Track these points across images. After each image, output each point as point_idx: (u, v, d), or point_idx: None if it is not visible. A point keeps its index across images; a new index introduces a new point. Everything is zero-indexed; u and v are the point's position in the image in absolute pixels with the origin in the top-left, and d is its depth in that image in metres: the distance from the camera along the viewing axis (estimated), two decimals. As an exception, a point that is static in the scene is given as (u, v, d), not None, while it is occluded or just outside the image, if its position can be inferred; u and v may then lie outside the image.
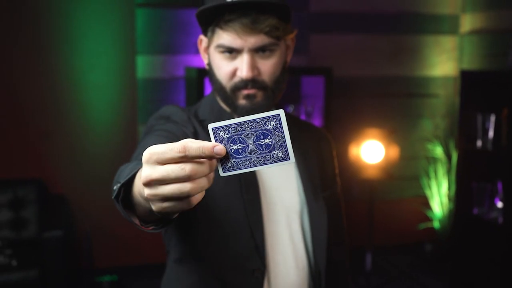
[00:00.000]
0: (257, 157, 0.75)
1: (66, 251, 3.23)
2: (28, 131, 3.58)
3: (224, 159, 0.75)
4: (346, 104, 3.91)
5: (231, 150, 0.75)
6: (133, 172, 0.85)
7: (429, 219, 4.08)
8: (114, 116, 3.69)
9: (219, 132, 0.75)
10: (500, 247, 2.92)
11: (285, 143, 0.74)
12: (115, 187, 0.89)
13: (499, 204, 2.98)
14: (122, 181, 0.85)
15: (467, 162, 3.12)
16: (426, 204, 4.08)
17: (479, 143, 3.05)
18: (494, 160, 3.06)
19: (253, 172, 1.25)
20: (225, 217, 1.21)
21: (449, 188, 4.00)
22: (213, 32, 1.22)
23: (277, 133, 0.74)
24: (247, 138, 0.74)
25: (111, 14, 3.59)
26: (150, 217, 0.84)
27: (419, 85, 4.09)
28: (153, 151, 0.70)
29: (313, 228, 1.28)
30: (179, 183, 0.70)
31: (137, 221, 0.88)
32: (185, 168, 0.69)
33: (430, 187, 4.06)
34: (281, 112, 0.73)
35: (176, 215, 0.79)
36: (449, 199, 3.98)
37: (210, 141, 0.74)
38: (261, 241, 1.22)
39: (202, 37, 1.29)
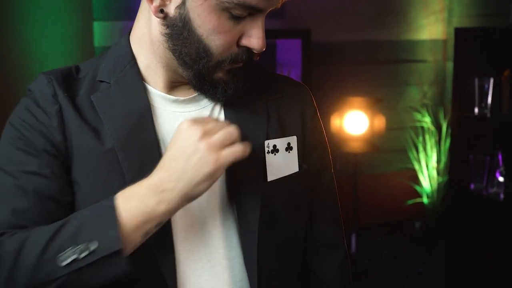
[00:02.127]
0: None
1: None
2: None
3: None
4: (326, 71, 3.78)
5: None
6: (110, 204, 0.81)
7: (417, 195, 3.99)
8: (70, 89, 3.47)
9: None
10: (501, 225, 2.75)
11: None
12: (81, 249, 0.78)
13: (500, 178, 2.80)
14: (109, 222, 0.79)
15: (463, 131, 2.93)
16: (414, 178, 3.99)
17: (476, 110, 2.84)
18: (493, 129, 2.87)
19: (151, 157, 0.90)
20: None
21: (438, 161, 3.93)
22: None
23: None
24: None
25: None
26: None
27: (405, 50, 4.00)
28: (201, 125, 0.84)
29: (241, 235, 0.93)
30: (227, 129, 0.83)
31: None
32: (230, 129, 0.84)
33: (418, 160, 3.97)
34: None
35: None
36: (438, 172, 3.91)
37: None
38: (170, 268, 0.89)
39: None
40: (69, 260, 0.76)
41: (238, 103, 0.96)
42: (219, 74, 0.90)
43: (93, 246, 0.77)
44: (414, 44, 4.00)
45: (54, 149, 0.88)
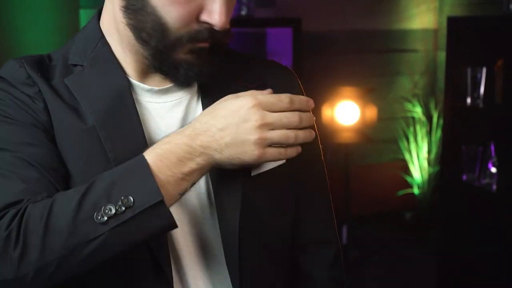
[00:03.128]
0: None
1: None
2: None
3: None
4: (317, 61, 3.75)
5: None
6: (144, 162, 0.77)
7: (408, 185, 4.00)
8: (56, 78, 3.41)
9: None
10: (494, 216, 2.74)
11: None
12: (118, 205, 0.74)
13: (493, 170, 2.79)
14: (149, 178, 0.76)
15: (455, 122, 2.91)
16: (405, 169, 3.99)
17: (468, 100, 2.82)
18: (486, 119, 2.84)
19: (134, 135, 0.86)
20: None
21: (429, 152, 3.93)
22: None
23: None
24: None
25: None
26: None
27: (396, 40, 4.00)
28: (261, 101, 0.79)
29: (222, 229, 0.88)
30: (288, 130, 0.79)
31: None
32: (295, 114, 0.80)
33: (409, 151, 3.97)
34: None
35: None
36: (429, 163, 3.91)
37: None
38: (164, 258, 0.86)
39: None
40: (107, 217, 0.72)
41: (217, 93, 0.87)
42: (180, 55, 0.84)
43: (132, 199, 0.74)
44: (405, 34, 3.99)
45: (41, 124, 0.85)
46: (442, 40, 3.65)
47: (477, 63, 2.78)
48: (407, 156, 3.96)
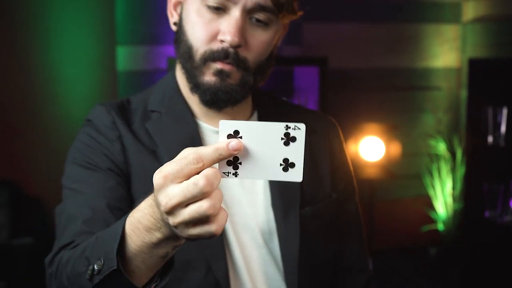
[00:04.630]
0: (264, 168, 0.70)
1: (38, 260, 2.99)
2: (-1, 128, 3.35)
3: (228, 162, 0.70)
4: (343, 97, 3.79)
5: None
6: (120, 228, 0.75)
7: (432, 221, 3.95)
8: (92, 112, 3.47)
9: (228, 129, 0.69)
10: None
11: (299, 159, 0.70)
12: (95, 266, 0.76)
13: None
14: (114, 244, 0.74)
15: (477, 160, 2.95)
16: (429, 204, 3.95)
17: (490, 138, 2.86)
18: (507, 157, 2.86)
19: None
20: None
21: (453, 188, 3.89)
22: None
23: (293, 146, 0.70)
24: (259, 144, 0.70)
25: (89, 2, 3.41)
26: (153, 270, 0.76)
27: (420, 77, 4.00)
28: (167, 173, 0.66)
29: (283, 254, 1.00)
30: (196, 203, 0.66)
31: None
32: (199, 182, 0.65)
33: (433, 187, 3.94)
34: (303, 126, 0.70)
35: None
36: (454, 199, 3.87)
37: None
38: (224, 275, 0.95)
39: None
40: (89, 275, 0.77)
41: None
42: (206, 77, 0.96)
43: (102, 263, 0.76)
44: (428, 72, 3.99)
45: (117, 168, 0.96)
46: (465, 79, 3.65)
47: (498, 103, 2.82)
48: (431, 192, 3.92)
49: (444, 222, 3.88)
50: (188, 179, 0.65)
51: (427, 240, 3.94)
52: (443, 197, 3.89)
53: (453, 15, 3.98)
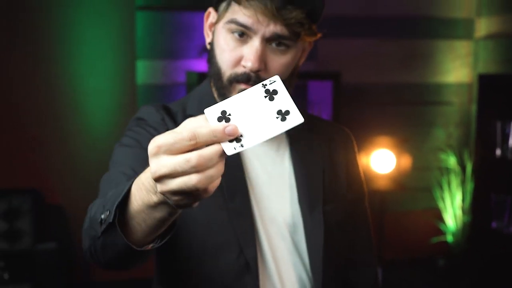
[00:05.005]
0: (264, 128, 0.71)
1: (60, 264, 3.13)
2: (24, 138, 3.46)
3: (230, 140, 0.71)
4: (355, 111, 3.83)
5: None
6: (128, 186, 0.80)
7: (442, 233, 3.97)
8: (113, 123, 3.57)
9: (215, 114, 0.71)
10: None
11: (290, 104, 0.71)
12: (102, 216, 0.83)
13: None
14: (118, 199, 0.80)
15: (485, 172, 3.02)
16: (439, 216, 3.97)
17: (498, 151, 2.94)
18: None
19: (240, 178, 1.10)
20: (206, 231, 1.06)
21: (463, 200, 3.91)
22: (228, 6, 1.06)
23: (278, 98, 0.72)
24: (249, 112, 0.71)
25: (110, 17, 3.50)
26: (153, 231, 0.80)
27: (431, 92, 4.02)
28: (160, 143, 0.68)
29: (309, 246, 1.12)
30: (186, 176, 0.68)
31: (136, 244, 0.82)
32: (191, 160, 0.67)
33: (443, 199, 3.96)
34: (277, 78, 0.73)
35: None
36: (463, 211, 3.88)
37: None
38: (253, 258, 1.06)
39: (211, 10, 1.13)
40: (99, 222, 0.84)
41: (300, 142, 1.16)
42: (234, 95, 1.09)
43: (107, 213, 0.82)
44: (440, 87, 4.01)
45: None
46: (476, 94, 3.66)
47: (507, 117, 2.90)
48: (441, 205, 3.94)
49: (453, 234, 3.89)
50: (180, 153, 0.68)
51: (436, 252, 3.96)
52: (453, 210, 3.90)
53: (465, 32, 4.00)
